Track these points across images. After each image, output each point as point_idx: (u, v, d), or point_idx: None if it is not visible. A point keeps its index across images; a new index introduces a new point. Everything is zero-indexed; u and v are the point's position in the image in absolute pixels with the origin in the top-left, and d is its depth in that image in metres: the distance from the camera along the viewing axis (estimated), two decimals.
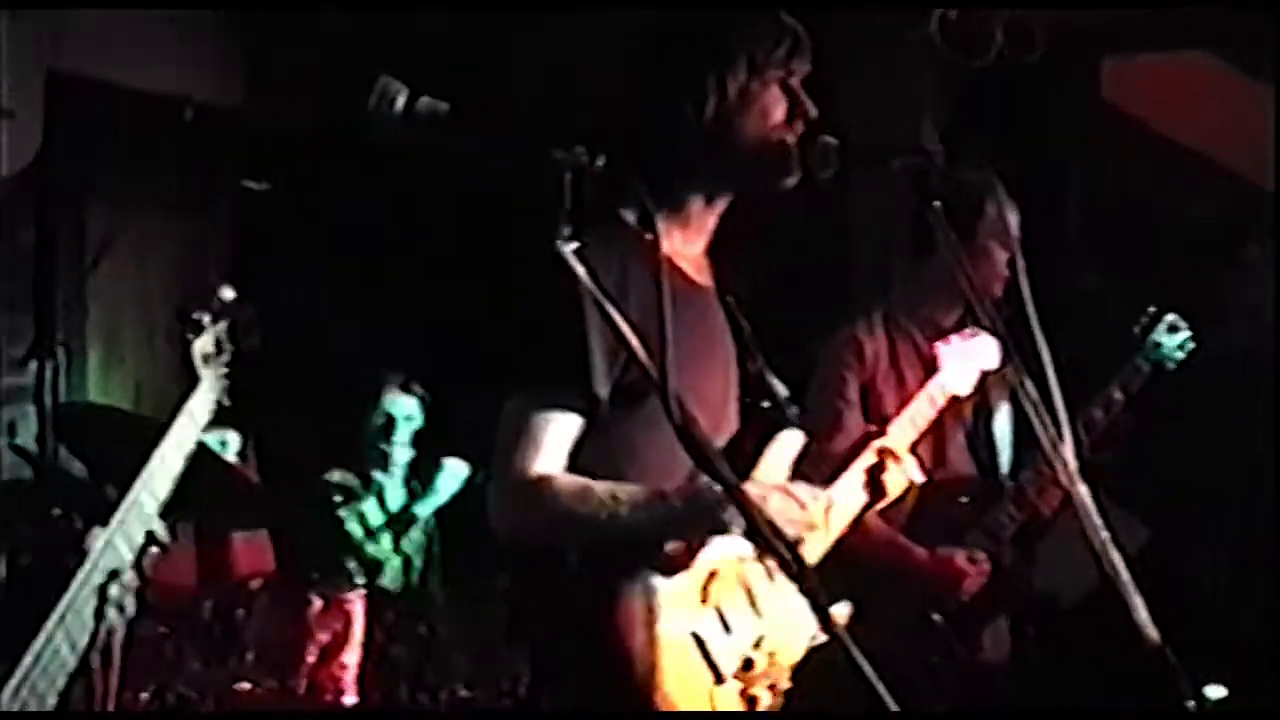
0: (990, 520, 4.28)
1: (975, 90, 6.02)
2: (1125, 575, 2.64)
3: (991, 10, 5.77)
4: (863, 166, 3.10)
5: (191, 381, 2.81)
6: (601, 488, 2.63)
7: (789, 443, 2.96)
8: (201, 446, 2.85)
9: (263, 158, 6.81)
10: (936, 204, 2.95)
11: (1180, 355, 4.54)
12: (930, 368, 4.06)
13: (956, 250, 2.95)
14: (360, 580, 5.10)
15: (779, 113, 2.82)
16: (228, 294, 2.87)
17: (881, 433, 3.61)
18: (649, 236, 2.43)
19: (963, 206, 4.00)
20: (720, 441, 2.83)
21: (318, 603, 4.71)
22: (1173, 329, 4.53)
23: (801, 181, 2.84)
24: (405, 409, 5.53)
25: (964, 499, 4.31)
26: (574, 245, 2.16)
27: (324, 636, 4.69)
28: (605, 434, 2.67)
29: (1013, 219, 4.05)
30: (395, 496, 5.55)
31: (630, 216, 2.75)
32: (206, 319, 2.83)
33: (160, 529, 2.67)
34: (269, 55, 6.78)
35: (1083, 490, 2.70)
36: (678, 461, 2.67)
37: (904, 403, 3.94)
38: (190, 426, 2.78)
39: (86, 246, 6.67)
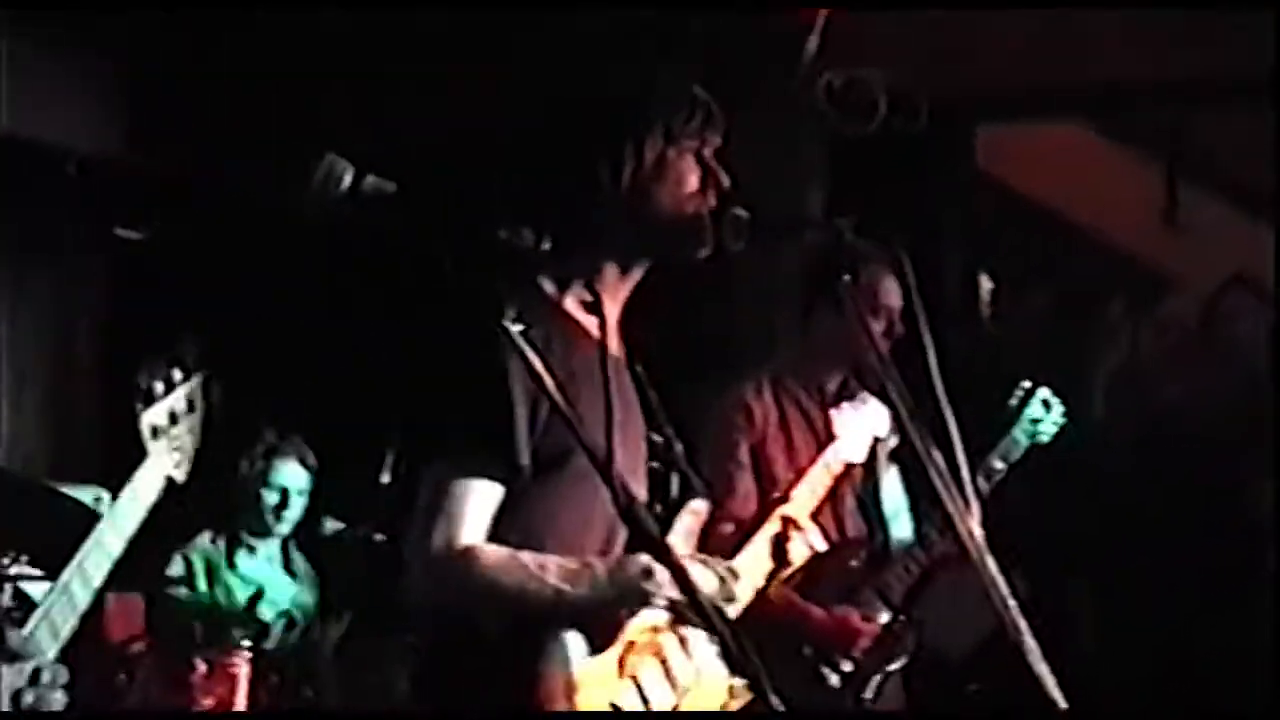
0: (881, 581, 4.37)
1: (857, 157, 6.10)
2: (1027, 633, 2.69)
3: (874, 77, 5.86)
4: (773, 238, 3.14)
5: (139, 456, 2.67)
6: (528, 558, 2.62)
7: (696, 511, 2.98)
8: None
9: (141, 207, 6.72)
10: (845, 277, 3.01)
11: (1054, 430, 4.67)
12: (817, 430, 4.14)
13: (863, 322, 2.99)
14: (245, 643, 5.02)
15: (693, 182, 2.84)
16: (191, 348, 2.74)
17: (785, 499, 3.64)
18: (591, 317, 2.43)
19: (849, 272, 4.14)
20: None
21: (201, 667, 4.64)
22: (1046, 405, 4.64)
23: (713, 252, 2.87)
24: (299, 483, 5.47)
25: (854, 561, 4.38)
26: (519, 327, 2.17)
27: (208, 701, 4.62)
28: (521, 502, 2.65)
29: (892, 288, 4.18)
30: (273, 560, 5.50)
31: (552, 288, 2.75)
32: (160, 388, 2.69)
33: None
34: (153, 105, 6.69)
35: (984, 548, 2.75)
36: (593, 529, 2.70)
37: (793, 464, 4.00)
38: (135, 505, 2.63)
39: None
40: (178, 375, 2.72)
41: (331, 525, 5.66)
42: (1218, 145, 7.50)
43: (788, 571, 3.44)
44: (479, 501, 2.62)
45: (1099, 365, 6.46)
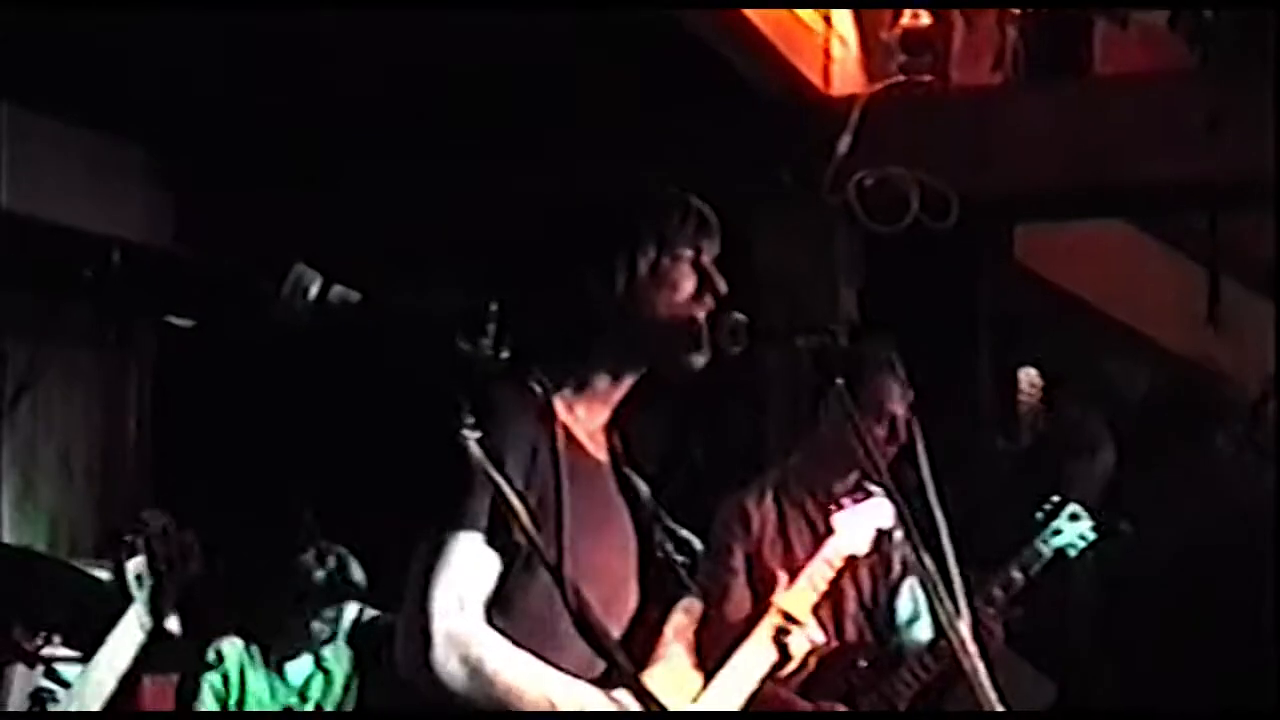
0: (886, 685, 4.32)
1: (889, 255, 6.12)
2: None
3: (905, 176, 5.90)
4: (770, 343, 3.17)
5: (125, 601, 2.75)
6: (529, 661, 2.63)
7: (689, 610, 2.99)
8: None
9: (188, 296, 6.83)
10: (839, 381, 3.03)
11: (1081, 544, 4.64)
12: (819, 534, 4.12)
13: (859, 425, 3.01)
14: None
15: (688, 289, 2.84)
16: (158, 520, 2.82)
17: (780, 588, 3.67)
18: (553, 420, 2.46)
19: (859, 377, 4.16)
20: (623, 616, 2.85)
21: None
22: (1074, 517, 4.62)
23: (711, 359, 2.89)
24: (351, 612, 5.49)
25: (861, 662, 4.36)
26: (476, 434, 2.20)
27: None
28: (514, 595, 2.66)
29: (897, 392, 4.18)
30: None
31: (535, 389, 2.78)
32: (140, 542, 2.77)
33: None
34: (199, 198, 6.82)
35: (976, 660, 2.75)
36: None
37: (791, 570, 4.01)
38: (127, 646, 2.71)
39: (5, 382, 6.66)
40: (156, 528, 2.79)
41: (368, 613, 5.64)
42: (1257, 243, 7.49)
43: (790, 667, 3.45)
44: (475, 559, 2.62)
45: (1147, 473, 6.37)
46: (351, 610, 5.45)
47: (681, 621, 2.96)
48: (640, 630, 2.89)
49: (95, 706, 2.61)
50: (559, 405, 2.78)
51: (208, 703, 5.27)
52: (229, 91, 5.96)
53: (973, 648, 2.80)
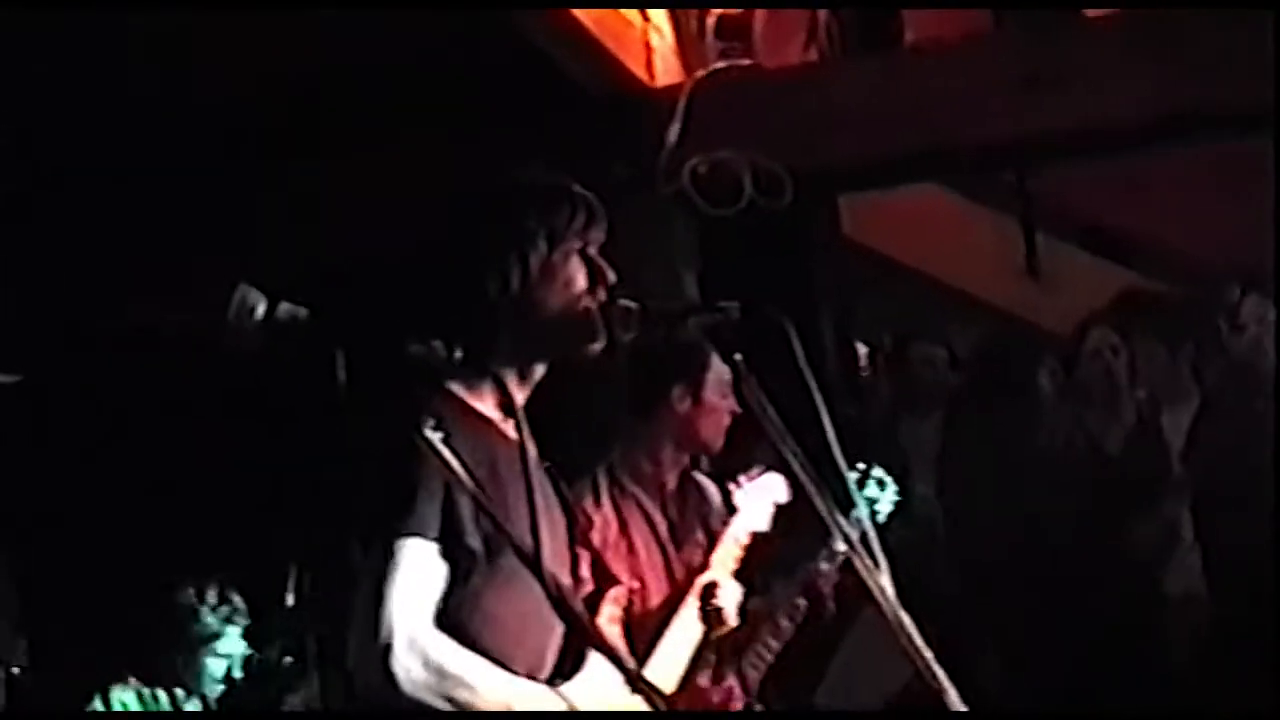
0: (750, 656, 4.32)
1: (724, 237, 6.20)
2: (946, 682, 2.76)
3: (738, 159, 5.98)
4: (661, 326, 3.21)
5: None
6: (483, 664, 2.66)
7: (616, 599, 3.04)
8: None
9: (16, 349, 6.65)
10: (738, 357, 3.08)
11: (889, 509, 4.72)
12: (659, 534, 4.22)
13: (762, 403, 3.06)
14: None
15: (580, 281, 2.89)
16: None
17: (704, 568, 3.72)
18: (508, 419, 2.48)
19: (689, 366, 4.23)
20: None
21: None
22: (880, 484, 4.72)
23: (605, 346, 2.93)
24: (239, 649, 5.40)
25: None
26: (439, 434, 2.22)
27: None
28: (461, 600, 2.69)
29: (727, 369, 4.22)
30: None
31: (464, 392, 2.80)
32: None
33: None
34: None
35: (897, 604, 2.83)
36: (531, 624, 2.73)
37: (635, 570, 4.06)
38: None
39: None
40: None
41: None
42: (1066, 193, 7.74)
43: (722, 630, 3.54)
44: (425, 565, 2.65)
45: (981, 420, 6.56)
46: (234, 647, 5.39)
47: (611, 612, 3.01)
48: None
49: None
50: (482, 404, 2.82)
51: None
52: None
53: (894, 595, 2.89)
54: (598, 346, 2.90)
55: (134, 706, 5.24)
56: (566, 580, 2.91)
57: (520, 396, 2.94)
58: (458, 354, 2.25)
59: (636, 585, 4.03)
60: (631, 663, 2.96)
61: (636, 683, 2.27)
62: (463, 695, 2.62)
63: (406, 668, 2.60)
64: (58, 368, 6.23)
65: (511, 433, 2.85)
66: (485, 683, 2.64)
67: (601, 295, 2.92)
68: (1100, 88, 5.71)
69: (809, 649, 4.61)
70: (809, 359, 2.94)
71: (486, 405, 2.85)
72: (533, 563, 2.17)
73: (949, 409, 6.65)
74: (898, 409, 6.97)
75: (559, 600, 2.16)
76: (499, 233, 2.87)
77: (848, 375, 6.88)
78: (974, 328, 7.54)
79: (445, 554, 2.66)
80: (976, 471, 6.33)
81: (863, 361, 7.53)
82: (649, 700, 2.27)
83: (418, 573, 2.64)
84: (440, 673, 2.61)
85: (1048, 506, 6.04)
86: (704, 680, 4.15)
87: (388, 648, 2.60)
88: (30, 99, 5.47)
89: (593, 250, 2.95)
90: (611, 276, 2.95)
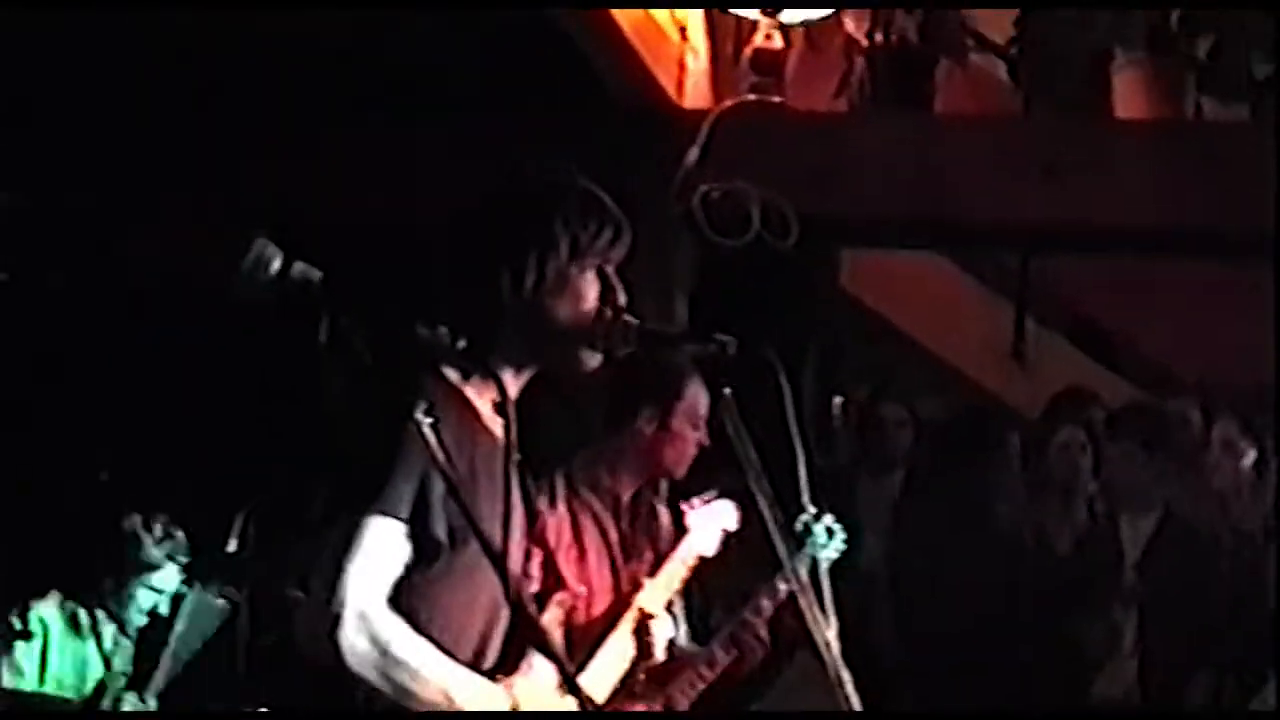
0: (680, 684, 4.30)
1: (723, 267, 6.23)
2: None
3: (749, 192, 6.00)
4: (658, 347, 3.23)
5: None
6: (442, 657, 2.67)
7: (561, 603, 3.06)
8: None
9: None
10: (727, 391, 3.10)
11: (835, 555, 4.68)
12: (610, 543, 4.22)
13: (741, 438, 3.08)
14: None
15: (591, 297, 2.86)
16: None
17: (637, 589, 3.74)
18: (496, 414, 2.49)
19: (664, 390, 4.25)
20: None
21: None
22: (829, 531, 4.72)
23: (602, 361, 2.93)
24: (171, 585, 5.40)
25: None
26: (429, 420, 2.23)
27: None
28: (414, 583, 2.69)
29: (703, 402, 4.24)
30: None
31: (455, 376, 2.80)
32: None
33: None
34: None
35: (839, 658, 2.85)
36: (476, 615, 2.74)
37: (584, 577, 4.08)
38: None
39: None
40: None
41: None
42: (1062, 284, 7.79)
43: (650, 660, 3.55)
44: (389, 545, 2.65)
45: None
46: (172, 582, 5.39)
47: (554, 615, 3.02)
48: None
49: None
50: (470, 390, 2.82)
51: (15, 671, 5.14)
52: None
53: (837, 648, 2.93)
54: (595, 361, 2.89)
55: (55, 622, 5.24)
56: (526, 576, 2.93)
57: (512, 392, 2.93)
58: (461, 343, 2.24)
59: (583, 591, 4.06)
60: (571, 667, 2.99)
61: (574, 687, 2.28)
62: (402, 677, 2.63)
63: (352, 641, 2.61)
64: (46, 279, 6.22)
65: (495, 427, 2.86)
66: (427, 667, 2.65)
67: (609, 314, 2.89)
68: (1117, 186, 5.76)
69: (740, 683, 4.63)
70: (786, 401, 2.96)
71: (476, 395, 2.85)
72: (498, 558, 2.18)
73: (909, 472, 6.69)
74: (860, 463, 7.01)
75: (516, 597, 2.16)
76: (523, 233, 2.86)
77: (820, 422, 6.91)
78: (949, 398, 7.59)
79: (411, 536, 2.67)
80: (927, 539, 6.36)
81: (835, 411, 7.57)
82: (582, 706, 2.28)
83: (380, 550, 2.64)
84: (384, 651, 2.62)
85: (992, 587, 6.08)
86: (632, 702, 4.19)
87: (337, 618, 2.60)
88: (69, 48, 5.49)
89: (610, 269, 2.92)
90: (622, 298, 2.92)
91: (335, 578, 2.61)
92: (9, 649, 5.17)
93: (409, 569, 2.69)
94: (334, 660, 2.61)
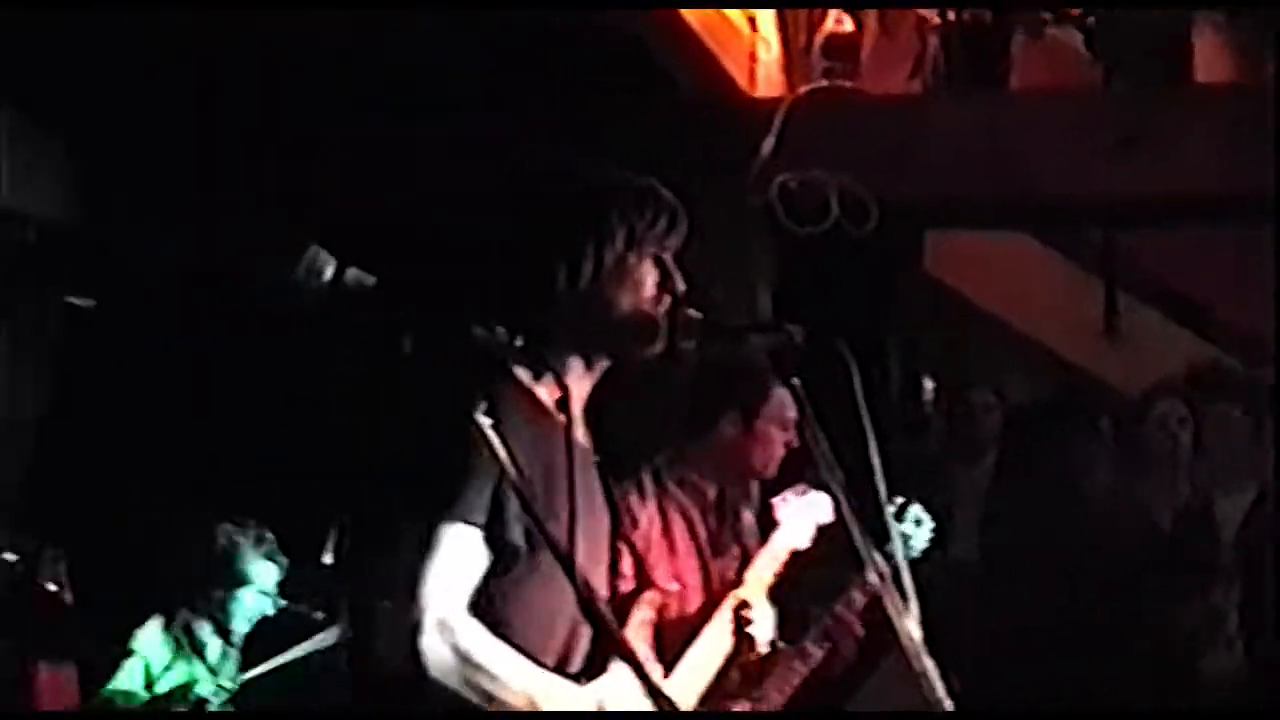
0: (775, 680, 4.23)
1: (805, 256, 6.19)
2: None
3: (827, 180, 5.97)
4: (724, 340, 3.21)
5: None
6: (511, 655, 2.67)
7: (651, 601, 3.05)
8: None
9: (93, 276, 6.74)
10: (795, 381, 3.08)
11: (924, 546, 4.61)
12: (699, 542, 4.18)
13: (814, 429, 3.05)
14: None
15: (650, 286, 2.87)
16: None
17: (738, 583, 3.72)
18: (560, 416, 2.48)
19: (747, 393, 4.21)
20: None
21: None
22: (918, 521, 4.67)
23: (664, 351, 2.92)
24: (267, 581, 5.43)
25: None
26: (489, 421, 2.22)
27: None
28: (494, 589, 2.69)
29: (790, 403, 4.19)
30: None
31: (527, 377, 2.79)
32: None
33: None
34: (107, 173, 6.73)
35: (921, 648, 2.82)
36: (559, 621, 2.74)
37: (676, 573, 4.06)
38: None
39: None
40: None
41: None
42: (1153, 256, 7.68)
43: (752, 653, 3.53)
44: (468, 551, 2.65)
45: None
46: (259, 594, 5.43)
47: (644, 615, 3.01)
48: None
49: None
50: (542, 390, 2.81)
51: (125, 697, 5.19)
52: (143, 74, 5.89)
53: (919, 639, 2.89)
54: (657, 349, 2.88)
55: (158, 645, 5.28)
56: (604, 579, 2.92)
57: (584, 388, 2.91)
58: (518, 341, 2.24)
59: (676, 588, 4.04)
60: (657, 669, 2.98)
61: (655, 694, 2.26)
62: (486, 683, 2.62)
63: (433, 649, 2.60)
64: (132, 298, 6.31)
65: (574, 427, 2.86)
66: (510, 673, 2.64)
67: (669, 301, 2.90)
68: (1198, 156, 5.66)
69: (835, 678, 4.59)
70: (870, 388, 2.92)
71: (548, 395, 2.85)
72: (566, 559, 2.17)
73: (1000, 456, 6.60)
74: (951, 448, 6.93)
75: (587, 602, 2.15)
76: (579, 226, 2.85)
77: (907, 408, 6.85)
78: (1040, 379, 7.50)
79: (489, 541, 2.66)
80: (1021, 524, 6.27)
81: (926, 397, 7.50)
82: (659, 706, 2.26)
83: (458, 557, 2.64)
84: (466, 658, 2.61)
85: (1090, 570, 5.98)
86: (727, 699, 4.17)
87: (417, 626, 2.60)
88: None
89: (668, 257, 2.93)
90: (682, 284, 2.92)
91: (413, 587, 2.62)
92: (114, 673, 5.23)
93: (489, 575, 2.68)
94: (416, 670, 2.62)
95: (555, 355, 2.86)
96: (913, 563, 4.48)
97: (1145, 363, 7.10)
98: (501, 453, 2.25)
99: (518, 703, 2.63)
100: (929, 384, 7.47)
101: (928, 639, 2.94)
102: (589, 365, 2.89)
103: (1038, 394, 7.00)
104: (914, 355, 6.91)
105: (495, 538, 2.65)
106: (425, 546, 2.62)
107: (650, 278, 2.88)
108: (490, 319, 2.73)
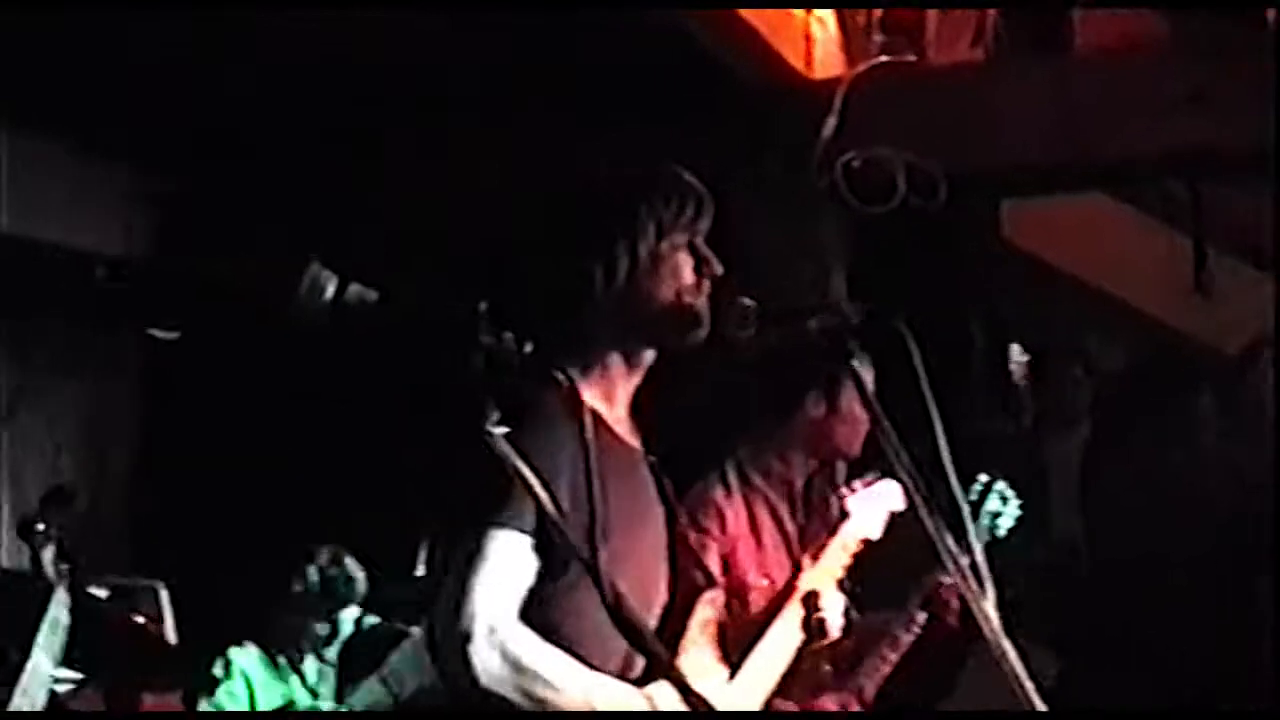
0: (867, 670, 4.27)
1: (877, 237, 6.11)
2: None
3: (893, 156, 5.88)
4: (780, 326, 3.16)
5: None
6: (565, 660, 2.64)
7: (712, 600, 3.00)
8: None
9: (173, 308, 6.80)
10: (854, 362, 3.03)
11: (1010, 524, 4.57)
12: (787, 534, 4.14)
13: (875, 411, 2.99)
14: None
15: (687, 272, 2.87)
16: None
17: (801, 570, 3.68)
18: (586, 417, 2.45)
19: (831, 371, 4.13)
20: (655, 608, 2.86)
21: None
22: (1003, 498, 4.58)
23: (712, 338, 2.89)
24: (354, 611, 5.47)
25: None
26: (502, 430, 2.19)
27: None
28: (550, 595, 2.67)
29: (868, 377, 4.13)
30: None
31: (567, 380, 2.77)
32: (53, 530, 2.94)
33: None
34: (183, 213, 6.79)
35: (999, 630, 2.74)
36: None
37: (763, 570, 3.99)
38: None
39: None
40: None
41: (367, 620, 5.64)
42: (1237, 210, 7.52)
43: (825, 642, 3.49)
44: (515, 557, 2.63)
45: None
46: (351, 612, 5.45)
47: (706, 615, 2.97)
48: (669, 623, 2.90)
49: (43, 695, 2.71)
50: (585, 394, 2.78)
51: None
52: (214, 106, 5.93)
53: (997, 622, 2.81)
54: (700, 337, 2.85)
55: (256, 669, 5.32)
56: (661, 580, 2.88)
57: (628, 387, 2.91)
58: (527, 347, 2.22)
59: (766, 584, 4.00)
60: (722, 671, 2.93)
61: (684, 688, 2.22)
62: (539, 689, 2.60)
63: (484, 658, 2.58)
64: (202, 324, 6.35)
65: (620, 429, 2.84)
66: (565, 679, 2.62)
67: (707, 286, 2.88)
68: (1269, 107, 5.52)
69: (929, 664, 4.52)
70: (956, 364, 2.86)
71: (595, 397, 2.82)
72: (591, 567, 2.14)
73: (1096, 424, 6.48)
74: (1044, 421, 6.82)
75: (613, 608, 2.12)
76: (610, 221, 2.85)
77: (995, 383, 6.75)
78: (1135, 341, 7.37)
79: (538, 548, 2.63)
80: (1124, 495, 6.13)
81: (1016, 369, 7.38)
82: (693, 707, 2.22)
83: (507, 564, 2.62)
84: (517, 666, 2.59)
85: (1190, 537, 5.84)
86: (821, 694, 4.12)
87: (467, 636, 2.58)
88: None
89: (700, 241, 2.91)
90: (719, 268, 2.91)
91: (462, 595, 2.59)
92: (213, 696, 5.27)
93: (540, 581, 2.66)
94: (468, 678, 2.59)
95: (596, 356, 2.84)
96: (1004, 542, 4.48)
97: (1240, 316, 6.94)
98: (516, 459, 2.22)
99: (573, 707, 2.60)
100: (1020, 355, 7.35)
101: (1019, 623, 2.88)
102: (630, 363, 2.86)
103: (1130, 358, 6.87)
104: (1000, 327, 6.79)
105: (544, 545, 2.62)
106: (472, 555, 2.60)
107: (687, 265, 2.89)
108: (531, 324, 2.70)
